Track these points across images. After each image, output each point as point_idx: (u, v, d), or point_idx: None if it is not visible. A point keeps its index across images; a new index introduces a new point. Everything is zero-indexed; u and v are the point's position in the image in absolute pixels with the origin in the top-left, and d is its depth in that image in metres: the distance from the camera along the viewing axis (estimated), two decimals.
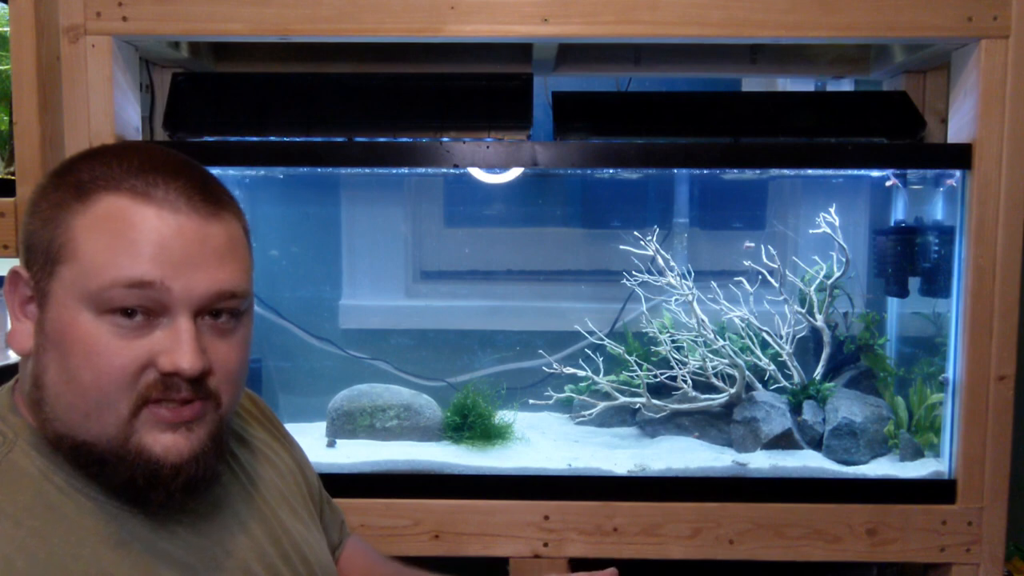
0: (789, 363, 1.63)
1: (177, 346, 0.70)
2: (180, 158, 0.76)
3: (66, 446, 0.72)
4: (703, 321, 1.62)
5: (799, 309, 1.64)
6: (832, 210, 1.60)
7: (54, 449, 0.73)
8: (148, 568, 0.72)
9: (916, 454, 1.50)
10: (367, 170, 1.68)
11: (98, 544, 0.71)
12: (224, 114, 1.53)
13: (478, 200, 1.83)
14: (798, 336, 1.65)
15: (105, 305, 0.69)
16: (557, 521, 1.42)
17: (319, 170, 1.64)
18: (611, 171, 1.65)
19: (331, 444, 1.57)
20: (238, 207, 0.78)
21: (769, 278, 1.63)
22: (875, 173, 1.63)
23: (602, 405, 1.65)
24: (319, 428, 1.63)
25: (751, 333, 1.64)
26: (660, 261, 1.63)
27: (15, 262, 0.95)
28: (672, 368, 1.63)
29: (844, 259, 1.61)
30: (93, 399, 0.70)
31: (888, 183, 1.64)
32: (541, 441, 1.61)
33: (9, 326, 0.75)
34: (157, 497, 0.72)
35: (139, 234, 0.70)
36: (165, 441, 0.71)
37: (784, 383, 1.63)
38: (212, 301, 0.73)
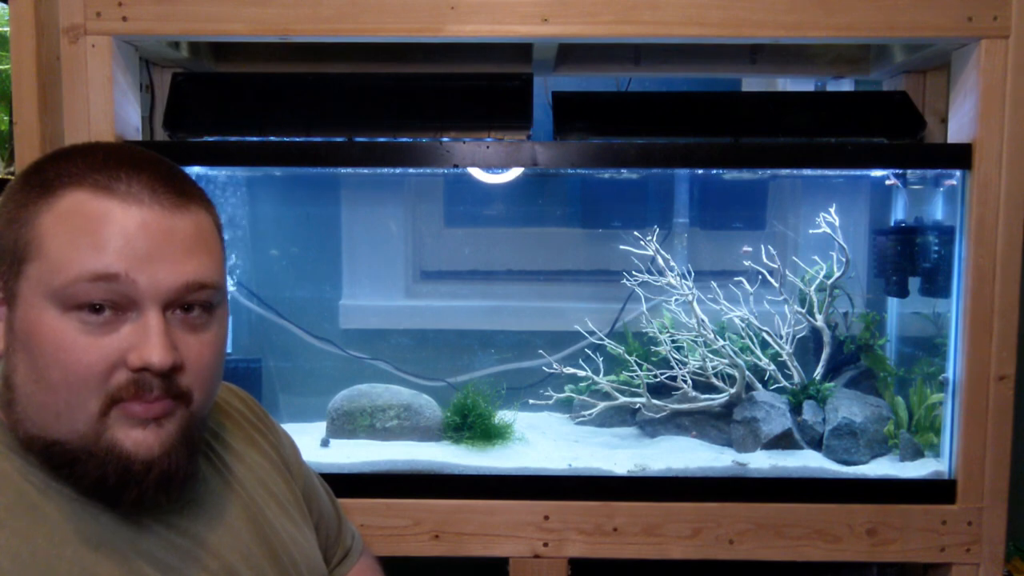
0: (789, 363, 1.63)
1: (146, 340, 0.69)
2: (146, 154, 0.76)
3: (38, 447, 0.71)
4: (703, 321, 1.62)
5: (799, 309, 1.64)
6: (832, 210, 1.60)
7: (27, 450, 0.72)
8: (130, 568, 0.72)
9: (916, 454, 1.50)
10: (367, 170, 1.68)
11: (80, 544, 0.70)
12: (224, 114, 1.53)
13: (478, 200, 1.82)
14: (798, 336, 1.64)
15: (71, 301, 0.68)
16: (557, 521, 1.42)
17: (319, 170, 1.64)
18: (611, 171, 1.65)
19: (324, 443, 1.58)
20: (207, 199, 0.77)
21: (769, 278, 1.63)
22: (875, 173, 1.63)
23: (602, 405, 1.65)
24: (319, 428, 1.63)
25: (751, 333, 1.64)
26: (660, 261, 1.63)
27: None
28: (672, 368, 1.63)
29: (844, 259, 1.61)
30: (63, 398, 0.69)
31: (888, 182, 1.64)
32: (541, 441, 1.61)
33: None
34: (129, 495, 0.71)
35: (102, 227, 0.69)
36: (135, 436, 0.70)
37: (784, 383, 1.63)
38: (181, 294, 0.72)
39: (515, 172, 1.55)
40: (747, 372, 1.60)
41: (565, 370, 1.64)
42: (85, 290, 0.68)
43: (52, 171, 0.72)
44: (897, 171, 1.59)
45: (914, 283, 1.60)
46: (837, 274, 1.63)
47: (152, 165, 0.74)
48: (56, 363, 0.69)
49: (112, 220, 0.69)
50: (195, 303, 0.74)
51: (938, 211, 1.58)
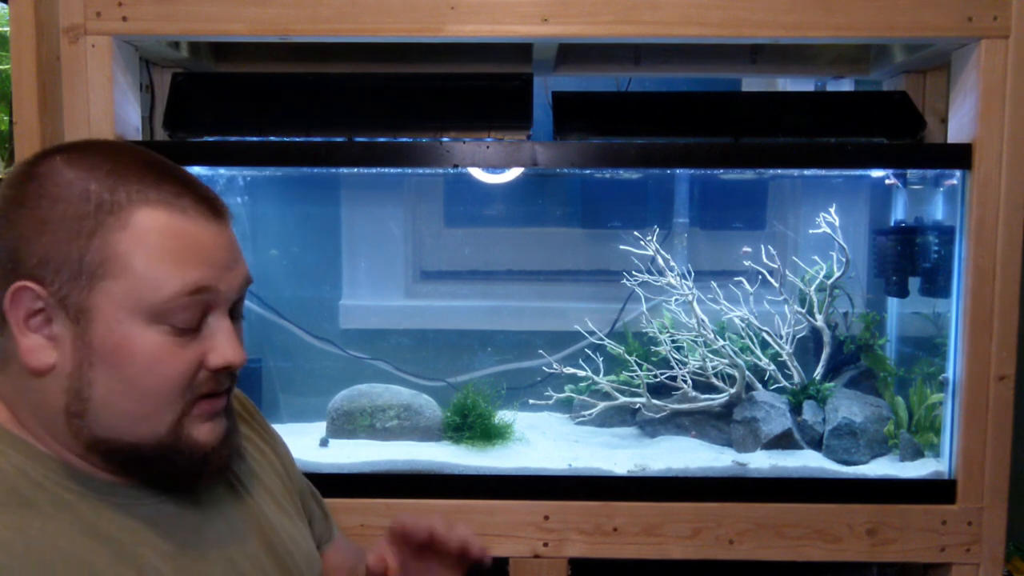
0: (789, 363, 1.63)
1: (226, 342, 0.77)
2: (172, 163, 0.80)
3: (104, 448, 0.75)
4: (703, 321, 1.62)
5: (799, 309, 1.64)
6: (832, 210, 1.60)
7: (89, 451, 0.76)
8: (129, 558, 0.74)
9: (916, 454, 1.50)
10: (367, 170, 1.68)
11: (76, 535, 0.72)
12: (224, 114, 1.53)
13: (478, 200, 1.82)
14: (798, 336, 1.65)
15: (167, 316, 0.73)
16: (557, 521, 1.42)
17: (319, 170, 1.64)
18: (611, 171, 1.65)
19: (323, 443, 1.58)
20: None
21: (769, 278, 1.63)
22: (875, 173, 1.63)
23: (602, 405, 1.65)
24: (319, 428, 1.63)
25: (751, 333, 1.64)
26: (660, 261, 1.63)
27: None
28: (672, 368, 1.63)
29: (844, 259, 1.61)
30: (152, 403, 0.74)
31: (888, 182, 1.64)
32: (541, 441, 1.61)
33: (21, 344, 0.72)
34: (207, 479, 0.81)
35: (188, 244, 0.75)
36: (206, 430, 0.78)
37: (784, 383, 1.63)
38: (240, 295, 0.80)
39: (515, 172, 1.55)
40: (747, 372, 1.60)
41: (565, 370, 1.64)
42: (182, 304, 0.74)
43: (94, 183, 0.72)
44: (897, 171, 1.59)
45: (914, 283, 1.60)
46: (837, 274, 1.63)
47: (190, 177, 0.79)
48: (149, 372, 0.73)
49: (196, 237, 0.75)
50: (238, 302, 0.82)
51: (938, 211, 1.58)
